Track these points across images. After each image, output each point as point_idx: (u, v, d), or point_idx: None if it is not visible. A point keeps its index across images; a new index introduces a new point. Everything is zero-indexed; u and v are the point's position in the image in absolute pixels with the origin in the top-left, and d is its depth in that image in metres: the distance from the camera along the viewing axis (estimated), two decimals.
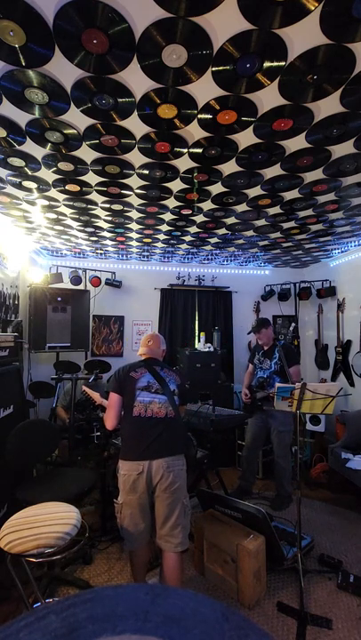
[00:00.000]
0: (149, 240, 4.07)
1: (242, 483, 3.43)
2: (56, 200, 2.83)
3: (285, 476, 3.22)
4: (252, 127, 1.84)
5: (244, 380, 3.71)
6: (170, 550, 1.89)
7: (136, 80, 1.51)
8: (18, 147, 2.03)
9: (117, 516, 1.96)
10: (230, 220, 3.31)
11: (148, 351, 2.24)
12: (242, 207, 2.97)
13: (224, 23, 1.25)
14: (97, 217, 3.24)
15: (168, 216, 3.21)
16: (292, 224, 3.42)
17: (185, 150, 2.07)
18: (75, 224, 3.48)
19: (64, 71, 1.46)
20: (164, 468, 1.88)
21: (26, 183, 2.51)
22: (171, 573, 1.89)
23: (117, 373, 2.12)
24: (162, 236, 3.91)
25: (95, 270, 4.99)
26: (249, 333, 3.54)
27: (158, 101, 1.64)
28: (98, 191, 2.65)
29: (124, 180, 2.46)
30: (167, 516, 1.89)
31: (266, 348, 3.42)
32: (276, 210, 3.03)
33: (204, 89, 1.56)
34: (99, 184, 2.52)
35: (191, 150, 2.07)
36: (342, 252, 4.54)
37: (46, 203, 2.89)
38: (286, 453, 3.22)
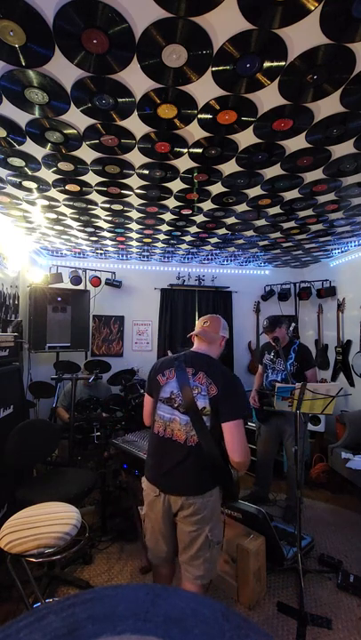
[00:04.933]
0: (149, 240, 4.07)
1: (257, 489, 3.29)
2: (56, 200, 2.83)
3: (300, 483, 3.08)
4: (252, 127, 1.84)
5: (255, 383, 3.43)
6: (188, 581, 1.59)
7: (136, 80, 1.51)
8: (18, 147, 2.03)
9: (143, 524, 1.75)
10: (230, 220, 3.31)
11: (199, 332, 1.75)
12: (242, 207, 2.97)
13: (224, 23, 1.25)
14: (97, 217, 3.24)
15: (168, 216, 3.21)
16: (292, 224, 3.42)
17: (185, 150, 2.07)
18: (75, 224, 3.48)
19: (64, 71, 1.46)
20: (183, 499, 1.55)
21: (26, 183, 2.51)
22: None
23: (150, 370, 1.80)
24: (162, 236, 3.91)
25: (95, 270, 4.99)
26: (261, 334, 3.25)
27: (158, 101, 1.64)
28: (98, 191, 2.65)
29: (124, 180, 2.46)
30: (187, 546, 1.57)
31: (278, 347, 3.04)
32: (276, 210, 3.03)
33: (204, 89, 1.56)
34: (99, 184, 2.52)
35: (191, 150, 2.07)
36: (342, 252, 4.54)
37: (46, 203, 2.89)
38: (301, 459, 3.07)
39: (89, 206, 2.97)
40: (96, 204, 2.93)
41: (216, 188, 2.59)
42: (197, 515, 1.53)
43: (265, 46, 1.34)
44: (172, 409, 1.62)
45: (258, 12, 1.21)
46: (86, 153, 2.09)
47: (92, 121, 1.79)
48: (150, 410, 1.76)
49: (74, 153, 2.10)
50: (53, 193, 2.68)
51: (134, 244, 4.25)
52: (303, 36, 1.30)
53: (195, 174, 2.37)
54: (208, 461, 1.54)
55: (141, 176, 2.39)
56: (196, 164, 2.23)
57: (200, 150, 2.06)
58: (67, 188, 2.58)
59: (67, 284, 4.51)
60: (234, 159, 2.17)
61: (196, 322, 1.83)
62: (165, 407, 1.64)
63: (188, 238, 3.96)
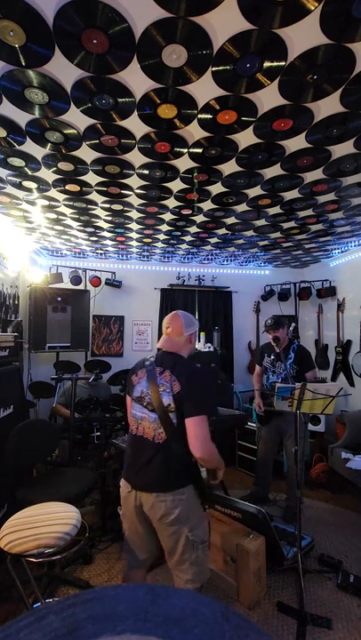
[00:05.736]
0: (149, 240, 4.07)
1: (256, 489, 3.29)
2: (56, 200, 2.83)
3: (300, 483, 3.07)
4: (252, 127, 1.84)
5: (255, 385, 3.38)
6: (179, 586, 1.57)
7: (136, 80, 1.51)
8: (18, 147, 2.03)
9: (123, 525, 1.76)
10: (230, 220, 3.31)
11: (162, 343, 1.78)
12: (242, 207, 2.97)
13: (224, 23, 1.25)
14: (97, 217, 3.24)
15: (168, 216, 3.21)
16: (292, 224, 3.42)
17: (185, 150, 2.07)
18: (75, 224, 3.48)
19: (64, 71, 1.46)
20: (154, 497, 1.55)
21: (26, 183, 2.51)
22: None
23: (128, 373, 1.85)
24: (162, 236, 3.91)
25: (95, 270, 4.99)
26: (263, 332, 3.29)
27: (158, 101, 1.64)
28: (98, 191, 2.65)
29: (124, 180, 2.46)
30: (170, 551, 1.58)
31: (278, 349, 3.08)
32: (276, 210, 3.03)
33: (204, 89, 1.56)
34: (99, 184, 2.52)
35: (191, 150, 2.07)
36: (342, 252, 4.54)
37: (46, 203, 2.89)
38: (301, 459, 3.07)
39: (89, 206, 2.97)
40: (96, 204, 2.93)
41: (216, 188, 2.59)
42: (170, 515, 1.52)
43: (265, 46, 1.34)
44: (142, 407, 1.66)
45: (258, 12, 1.21)
46: (86, 153, 2.09)
47: (92, 121, 1.79)
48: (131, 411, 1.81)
49: (74, 153, 2.10)
50: (53, 193, 2.68)
51: (134, 244, 4.25)
52: (303, 35, 1.30)
53: (195, 174, 2.37)
54: (175, 457, 1.56)
55: (141, 176, 2.39)
56: (196, 164, 2.23)
57: (200, 150, 2.06)
58: (67, 188, 2.58)
59: (67, 284, 4.51)
60: (234, 159, 2.17)
61: (163, 322, 1.83)
62: (137, 406, 1.69)
63: (188, 238, 3.96)
